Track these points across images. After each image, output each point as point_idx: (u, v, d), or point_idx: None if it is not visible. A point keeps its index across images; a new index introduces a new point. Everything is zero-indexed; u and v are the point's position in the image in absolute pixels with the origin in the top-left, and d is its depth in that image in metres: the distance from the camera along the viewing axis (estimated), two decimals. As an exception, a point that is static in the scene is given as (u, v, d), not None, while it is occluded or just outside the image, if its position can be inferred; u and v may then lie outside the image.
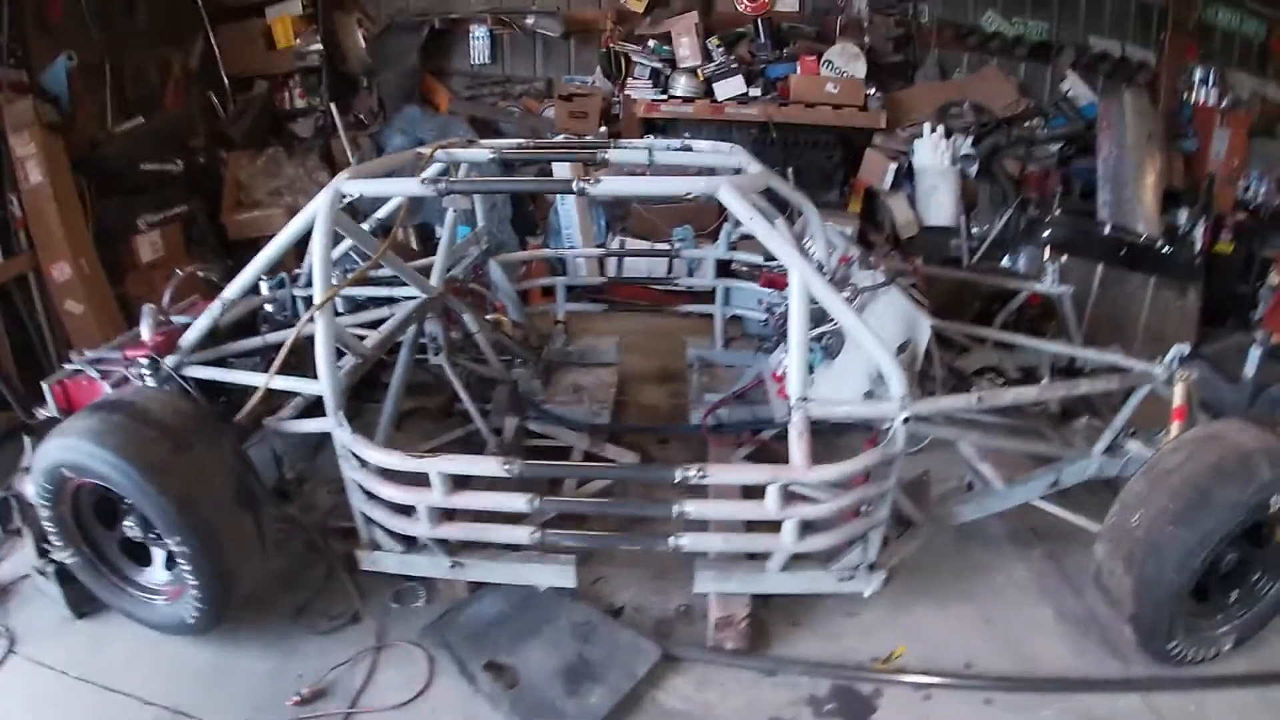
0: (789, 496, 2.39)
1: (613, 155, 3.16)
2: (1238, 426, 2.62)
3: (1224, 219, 5.45)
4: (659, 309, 5.14)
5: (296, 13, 5.76)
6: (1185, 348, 2.95)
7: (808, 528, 2.45)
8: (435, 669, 2.62)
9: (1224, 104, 5.66)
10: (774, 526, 2.48)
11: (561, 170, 5.19)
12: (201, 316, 2.81)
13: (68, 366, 2.94)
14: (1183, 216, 5.24)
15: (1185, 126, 5.74)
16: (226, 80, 5.73)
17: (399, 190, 2.71)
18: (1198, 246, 5.18)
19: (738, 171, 3.05)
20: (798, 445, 2.35)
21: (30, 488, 2.59)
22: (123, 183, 4.67)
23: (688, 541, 2.46)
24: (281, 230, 2.73)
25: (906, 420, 2.43)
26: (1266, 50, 6.27)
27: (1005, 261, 5.17)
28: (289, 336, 2.65)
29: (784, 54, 5.78)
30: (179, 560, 2.44)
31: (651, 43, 5.77)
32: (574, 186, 2.33)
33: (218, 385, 2.85)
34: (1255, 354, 3.76)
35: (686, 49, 5.69)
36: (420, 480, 2.46)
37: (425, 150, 3.14)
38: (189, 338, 2.78)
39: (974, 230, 5.61)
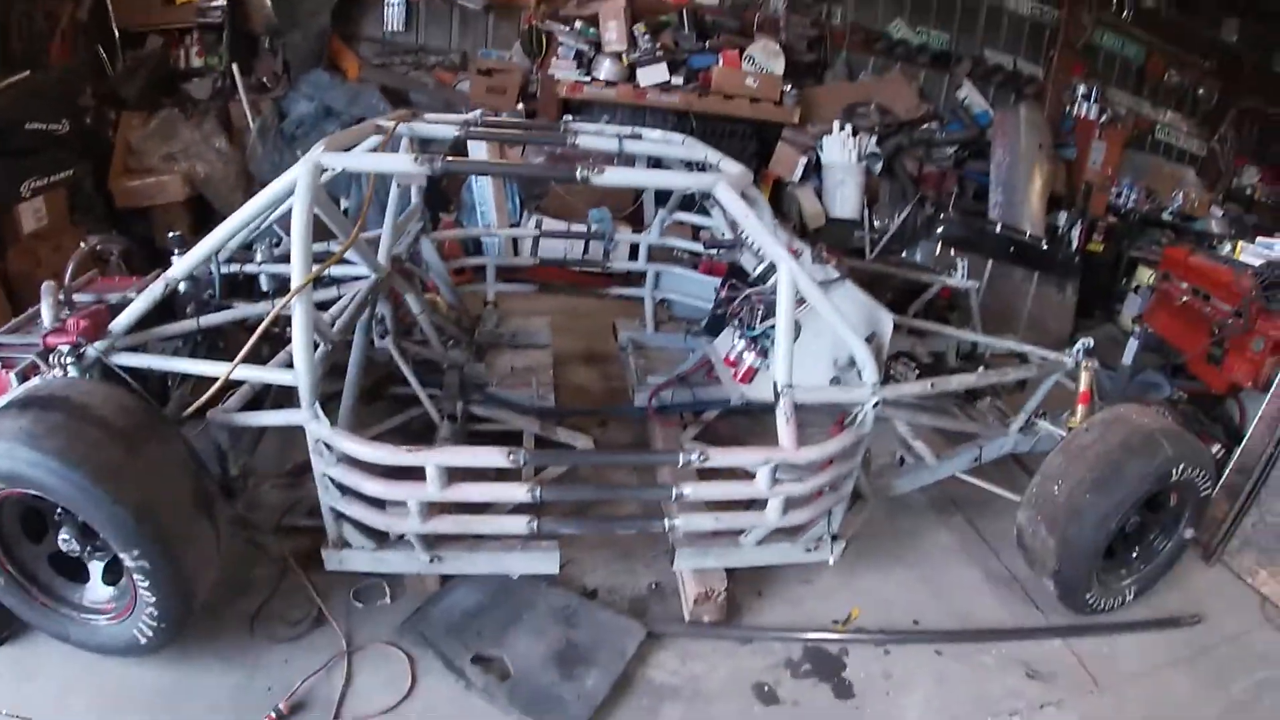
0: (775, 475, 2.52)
1: (583, 141, 3.15)
2: (1137, 410, 3.04)
3: (1097, 222, 6.09)
4: (586, 290, 5.14)
5: (200, -37, 5.28)
6: (1089, 342, 3.32)
7: (790, 504, 2.60)
8: (417, 668, 2.54)
9: (1103, 119, 6.30)
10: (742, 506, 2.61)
11: (478, 150, 5.08)
12: (140, 298, 2.55)
13: None
14: (1062, 219, 5.84)
15: (1066, 136, 6.37)
16: (117, 34, 5.18)
17: (388, 167, 2.57)
18: (1074, 246, 5.78)
19: (704, 165, 3.13)
20: (786, 428, 2.48)
21: None
22: (6, 144, 4.14)
23: (682, 522, 2.55)
24: (244, 205, 2.53)
25: (877, 404, 2.63)
26: (1144, 72, 7.07)
27: (904, 255, 5.59)
28: (262, 321, 2.46)
29: (707, 45, 5.91)
30: (135, 576, 2.21)
31: (578, 24, 5.76)
32: (578, 175, 2.33)
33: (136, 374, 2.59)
34: (1134, 344, 4.27)
35: (613, 33, 5.71)
36: (408, 474, 2.37)
37: (386, 122, 2.99)
38: (122, 321, 2.51)
39: (875, 223, 6.00)
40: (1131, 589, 3.06)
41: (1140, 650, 2.95)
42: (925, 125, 6.27)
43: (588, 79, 5.77)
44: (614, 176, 2.42)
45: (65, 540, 2.32)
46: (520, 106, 5.74)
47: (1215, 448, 3.85)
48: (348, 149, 2.61)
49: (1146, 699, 2.73)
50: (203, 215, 5.20)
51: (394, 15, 5.83)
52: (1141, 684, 2.79)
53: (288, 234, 3.45)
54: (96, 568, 2.41)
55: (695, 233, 4.79)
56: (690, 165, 3.30)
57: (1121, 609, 3.05)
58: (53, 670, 2.46)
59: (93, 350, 2.45)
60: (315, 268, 2.43)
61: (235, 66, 5.35)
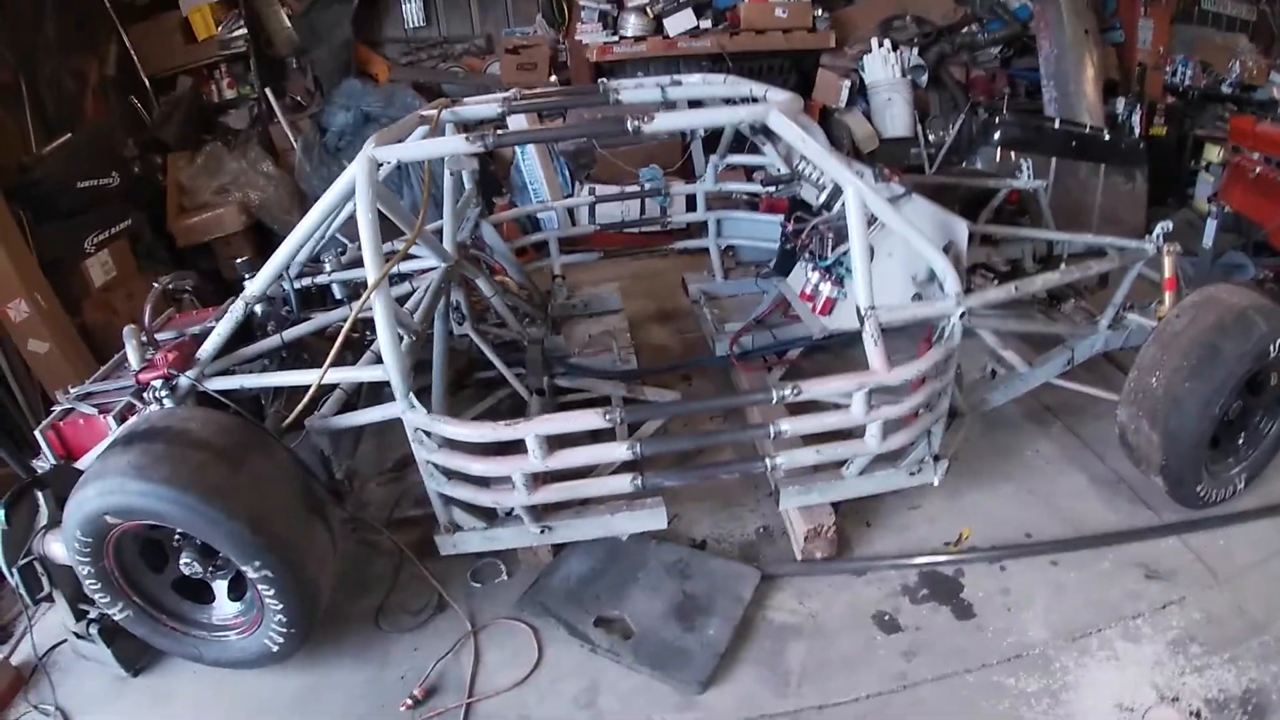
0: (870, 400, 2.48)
1: (625, 96, 3.12)
2: (1226, 289, 2.88)
3: (1156, 105, 5.78)
4: (649, 251, 5.14)
5: (213, -1, 5.40)
6: (1169, 225, 3.17)
7: (888, 428, 2.56)
8: (542, 638, 2.61)
9: (1146, -4, 5.95)
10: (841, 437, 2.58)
11: (517, 121, 5.07)
12: (222, 322, 2.64)
13: (57, 408, 2.71)
14: (1120, 105, 5.55)
15: (1110, 18, 6.01)
16: (147, 82, 5.34)
17: (440, 150, 2.59)
18: (1136, 132, 5.50)
19: (750, 100, 3.06)
20: (875, 351, 2.44)
21: (58, 546, 2.38)
22: (61, 205, 4.30)
23: (784, 460, 2.54)
24: (307, 215, 2.58)
25: (963, 315, 2.57)
26: (1183, -60, 6.63)
27: (964, 164, 5.39)
28: (343, 326, 2.52)
29: (729, -17, 5.76)
30: (259, 586, 2.28)
31: (598, -16, 5.67)
32: (629, 125, 2.30)
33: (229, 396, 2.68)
34: (1211, 225, 4.07)
35: (634, -13, 5.61)
36: (508, 449, 2.42)
37: (428, 111, 3.01)
38: (209, 348, 2.60)
39: (930, 137, 5.79)
40: (1242, 477, 2.95)
41: (1256, 540, 2.85)
42: (965, 29, 5.99)
43: (615, 39, 5.69)
44: (665, 122, 2.40)
45: (187, 564, 2.40)
46: (553, 79, 5.72)
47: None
48: (397, 141, 2.63)
49: (1267, 588, 2.65)
50: (263, 241, 5.36)
51: (413, 11, 5.86)
52: (1260, 573, 2.71)
53: (352, 240, 3.55)
54: (220, 586, 2.50)
55: (749, 174, 4.70)
56: (735, 102, 3.23)
57: (1233, 499, 2.94)
58: (189, 692, 2.57)
59: (185, 379, 2.54)
60: (389, 259, 2.46)
61: (268, 91, 5.48)
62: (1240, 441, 2.97)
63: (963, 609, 2.64)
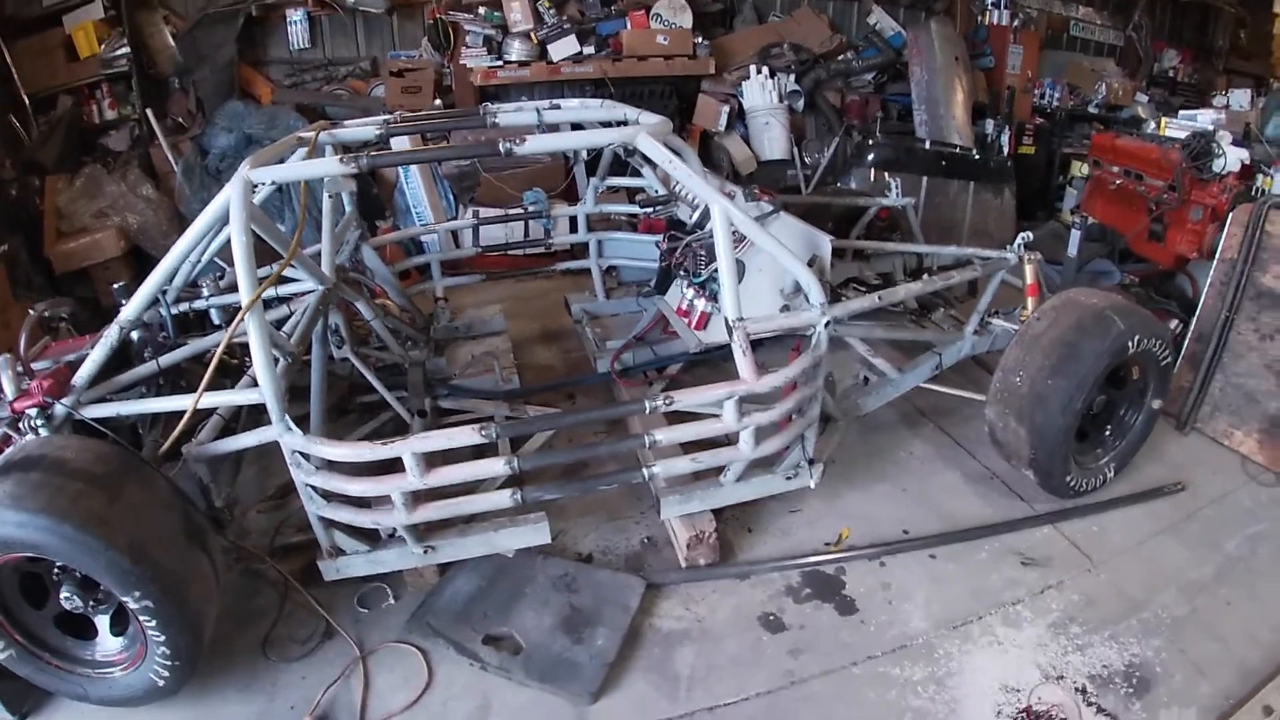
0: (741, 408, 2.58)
1: (503, 119, 3.17)
2: (1085, 292, 3.10)
3: (1024, 125, 6.20)
4: (532, 272, 5.20)
5: (98, 16, 5.16)
6: (1029, 235, 3.41)
7: (761, 434, 2.66)
8: (431, 660, 2.58)
9: (1015, 23, 6.37)
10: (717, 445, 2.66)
11: (399, 144, 5.04)
12: (97, 348, 2.56)
13: None
14: (989, 126, 5.94)
15: (981, 45, 6.43)
16: (26, 100, 5.07)
17: (315, 171, 2.58)
18: (1005, 151, 5.90)
19: (624, 123, 3.16)
20: (744, 360, 2.54)
21: None
22: (-69, 227, 4.06)
23: (660, 469, 2.61)
24: (182, 237, 2.53)
25: (828, 324, 2.70)
26: (1050, -30, 7.14)
27: (839, 185, 5.67)
28: (215, 349, 2.46)
29: (612, 11, 5.92)
30: (141, 618, 2.22)
31: (482, 10, 5.73)
32: (501, 148, 2.35)
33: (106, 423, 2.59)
34: (1075, 235, 4.36)
35: (518, 14, 5.69)
36: (386, 469, 2.41)
37: (307, 134, 2.99)
38: (84, 374, 2.52)
39: (806, 160, 6.06)
40: (1111, 466, 3.15)
41: (1129, 524, 3.06)
42: (841, 56, 6.32)
43: (500, 63, 5.75)
44: (535, 144, 2.46)
45: (67, 598, 2.31)
46: (438, 102, 5.72)
47: (1173, 324, 3.98)
48: (275, 163, 2.61)
49: (1143, 569, 2.83)
50: (142, 266, 5.14)
51: (298, 33, 5.74)
52: (1136, 555, 2.90)
53: (230, 264, 3.45)
54: (103, 621, 2.41)
55: (631, 196, 4.83)
56: (611, 125, 3.33)
57: (1104, 487, 3.15)
58: (79, 733, 2.44)
59: (60, 407, 2.46)
60: (263, 282, 2.43)
61: (149, 112, 5.27)
62: (1107, 433, 3.17)
63: (846, 605, 2.74)
